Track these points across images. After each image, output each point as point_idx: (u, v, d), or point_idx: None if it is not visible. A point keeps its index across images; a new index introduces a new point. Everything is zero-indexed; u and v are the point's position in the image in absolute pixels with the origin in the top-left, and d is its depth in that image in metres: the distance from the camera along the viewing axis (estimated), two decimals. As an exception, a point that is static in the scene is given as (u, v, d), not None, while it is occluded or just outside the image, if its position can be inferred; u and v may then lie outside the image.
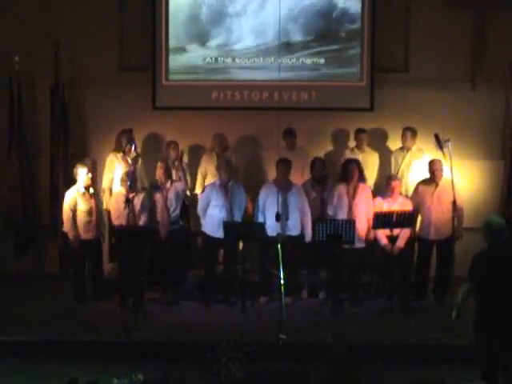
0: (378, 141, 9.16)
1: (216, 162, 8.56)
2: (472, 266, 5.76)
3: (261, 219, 8.00)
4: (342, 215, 7.96)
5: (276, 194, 7.82)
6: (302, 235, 8.06)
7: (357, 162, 8.17)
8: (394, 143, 8.98)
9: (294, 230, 7.98)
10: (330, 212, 8.08)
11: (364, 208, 8.03)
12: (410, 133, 8.68)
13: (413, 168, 8.65)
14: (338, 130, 9.20)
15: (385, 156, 8.97)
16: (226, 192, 8.04)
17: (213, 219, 8.05)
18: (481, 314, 5.76)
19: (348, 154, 8.73)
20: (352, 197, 8.03)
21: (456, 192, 7.50)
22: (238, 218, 8.04)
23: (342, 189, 8.07)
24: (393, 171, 8.70)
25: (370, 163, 8.77)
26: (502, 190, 9.03)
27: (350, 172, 8.05)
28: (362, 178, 8.17)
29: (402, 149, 8.79)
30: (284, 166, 8.11)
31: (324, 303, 7.80)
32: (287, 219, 7.94)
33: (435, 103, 9.08)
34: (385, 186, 8.13)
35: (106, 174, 8.73)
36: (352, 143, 8.97)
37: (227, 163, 8.19)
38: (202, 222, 8.22)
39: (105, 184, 8.70)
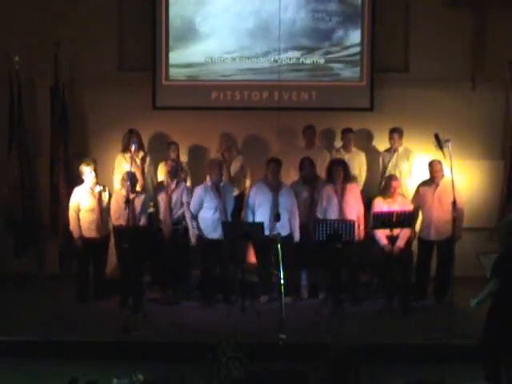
0: (377, 141, 9.17)
1: (223, 162, 8.55)
2: (497, 262, 5.77)
3: (250, 218, 8.00)
4: (333, 215, 7.95)
5: (265, 193, 7.92)
6: (290, 235, 8.06)
7: (342, 163, 8.16)
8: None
9: (282, 230, 7.95)
10: (319, 214, 8.05)
11: (354, 207, 8.02)
12: (397, 134, 8.67)
13: (400, 169, 8.63)
14: (338, 129, 9.15)
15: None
16: (218, 193, 8.03)
17: (207, 221, 8.04)
18: (495, 312, 5.75)
19: (334, 155, 8.72)
20: (341, 196, 8.02)
21: (456, 192, 7.50)
22: (229, 217, 8.04)
23: (329, 189, 8.06)
24: (380, 172, 8.69)
25: (357, 163, 8.76)
26: (502, 190, 9.03)
27: (335, 173, 8.03)
28: (349, 179, 8.15)
29: (389, 150, 8.78)
30: (275, 165, 8.10)
31: (324, 303, 7.80)
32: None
33: (435, 103, 9.08)
34: (384, 186, 8.12)
35: (115, 175, 8.68)
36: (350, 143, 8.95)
37: (219, 164, 8.17)
38: (194, 223, 8.19)
39: (115, 185, 8.65)
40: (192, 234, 8.14)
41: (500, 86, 9.03)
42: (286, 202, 8.02)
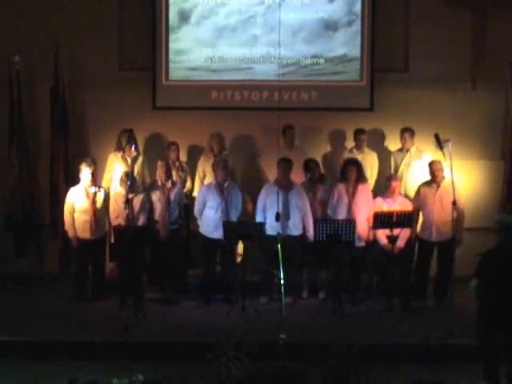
0: (378, 141, 9.16)
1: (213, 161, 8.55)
2: (480, 263, 5.78)
3: (260, 219, 7.99)
4: (342, 215, 7.96)
5: (275, 193, 7.85)
6: (303, 235, 8.05)
7: (356, 163, 8.16)
8: (393, 143, 8.98)
9: (294, 229, 7.98)
10: (329, 212, 8.08)
11: (364, 208, 8.02)
12: (408, 134, 8.67)
13: (412, 169, 8.64)
14: (338, 129, 9.19)
15: (385, 156, 8.97)
16: (222, 192, 8.03)
17: (209, 220, 8.05)
18: (484, 312, 5.76)
19: (347, 155, 8.71)
20: (352, 196, 8.03)
21: (457, 193, 7.51)
22: (234, 218, 8.03)
23: (341, 188, 8.07)
24: (392, 172, 8.69)
25: (369, 164, 8.76)
26: (502, 190, 9.04)
27: (349, 172, 8.04)
28: (362, 179, 8.16)
29: (401, 150, 8.78)
30: (285, 165, 8.10)
31: (324, 303, 7.80)
32: (288, 219, 7.94)
33: (435, 103, 9.08)
34: (385, 186, 8.13)
35: (105, 174, 8.74)
36: (351, 143, 8.96)
37: (224, 163, 8.17)
38: (199, 223, 8.21)
39: (104, 183, 8.70)
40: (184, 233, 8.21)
41: (500, 86, 9.04)
42: (297, 201, 8.01)
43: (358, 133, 8.80)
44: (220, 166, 8.09)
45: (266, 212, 8.00)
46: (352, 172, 8.04)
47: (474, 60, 9.15)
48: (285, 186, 8.05)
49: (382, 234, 7.89)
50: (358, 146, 8.80)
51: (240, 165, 8.98)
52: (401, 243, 7.85)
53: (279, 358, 6.02)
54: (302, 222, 8.04)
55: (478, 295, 5.82)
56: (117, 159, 8.66)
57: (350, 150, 8.84)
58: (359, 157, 8.61)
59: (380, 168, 8.90)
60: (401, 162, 8.70)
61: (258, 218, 8.03)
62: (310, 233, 8.01)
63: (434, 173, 8.04)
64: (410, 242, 8.02)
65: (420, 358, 6.65)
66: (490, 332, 5.77)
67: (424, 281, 8.20)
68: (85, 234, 8.09)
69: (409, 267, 8.04)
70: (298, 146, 8.86)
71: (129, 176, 7.90)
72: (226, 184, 8.09)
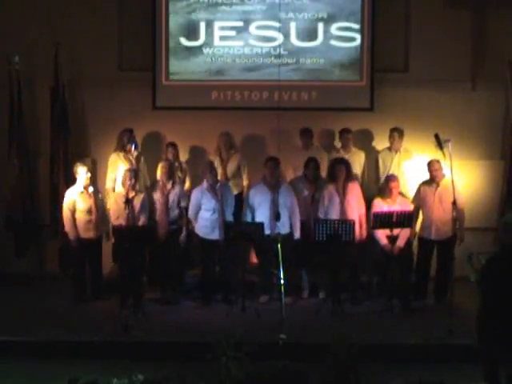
0: (377, 141, 9.16)
1: (220, 161, 8.57)
2: (483, 269, 5.74)
3: (249, 218, 8.01)
4: (335, 214, 7.96)
5: (264, 192, 7.94)
6: (291, 234, 8.06)
7: (344, 162, 8.17)
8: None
9: (282, 228, 7.98)
10: (320, 214, 8.05)
11: (355, 207, 8.03)
12: (397, 133, 8.68)
13: (402, 169, 8.64)
14: (338, 129, 9.17)
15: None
16: (215, 194, 8.03)
17: (205, 222, 8.05)
18: (484, 317, 5.74)
19: (334, 155, 8.72)
20: (343, 195, 8.03)
21: (457, 193, 7.52)
22: (229, 216, 8.04)
23: (331, 188, 8.07)
24: (381, 172, 8.70)
25: (358, 163, 8.76)
26: (502, 190, 9.04)
27: (338, 172, 8.05)
28: (351, 178, 8.16)
29: (389, 149, 8.78)
30: (272, 164, 8.11)
31: (324, 303, 7.80)
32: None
33: (435, 103, 9.08)
34: (383, 186, 8.13)
35: (108, 174, 8.71)
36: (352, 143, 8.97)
37: (211, 166, 8.18)
38: (194, 224, 8.20)
39: (108, 184, 8.68)
40: (183, 235, 8.17)
41: (500, 86, 9.04)
42: (286, 200, 8.03)
43: (343, 132, 8.81)
44: (207, 170, 8.10)
45: (255, 211, 8.02)
46: (341, 171, 8.04)
47: (474, 60, 9.15)
48: (273, 184, 8.07)
49: (382, 234, 7.89)
50: (344, 146, 8.80)
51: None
52: (401, 243, 7.85)
53: (279, 358, 6.04)
54: (289, 220, 8.05)
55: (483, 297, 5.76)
56: (119, 159, 8.64)
57: (338, 150, 8.84)
58: (346, 157, 8.61)
59: (373, 168, 8.90)
60: (390, 163, 8.70)
61: (248, 218, 8.04)
62: (297, 233, 8.05)
63: (432, 173, 8.04)
64: (409, 242, 8.02)
65: (420, 358, 6.64)
66: (494, 334, 5.74)
67: (424, 280, 8.20)
68: (88, 233, 8.07)
69: (409, 267, 8.03)
70: (316, 147, 8.88)
71: (132, 173, 7.91)
72: (218, 185, 8.10)
